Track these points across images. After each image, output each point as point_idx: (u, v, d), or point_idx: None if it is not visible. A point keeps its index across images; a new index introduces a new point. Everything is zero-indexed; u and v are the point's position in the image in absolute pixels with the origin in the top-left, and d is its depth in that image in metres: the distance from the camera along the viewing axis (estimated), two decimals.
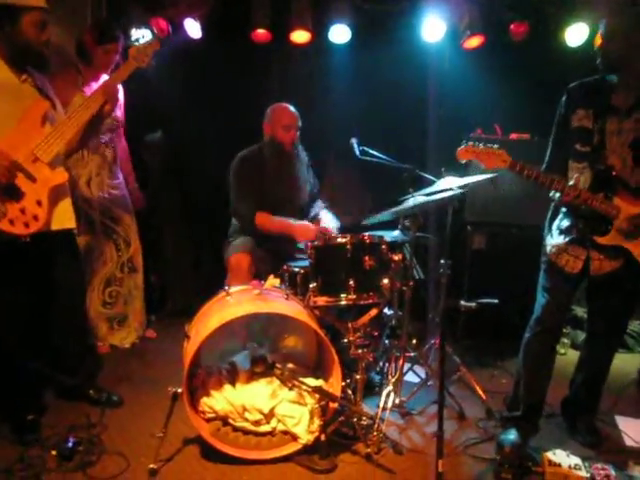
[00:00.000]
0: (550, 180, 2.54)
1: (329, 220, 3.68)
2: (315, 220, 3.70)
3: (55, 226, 2.80)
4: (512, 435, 2.76)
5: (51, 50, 2.83)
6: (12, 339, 2.83)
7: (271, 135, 3.60)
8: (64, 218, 2.87)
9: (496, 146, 2.55)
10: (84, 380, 3.15)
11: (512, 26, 4.26)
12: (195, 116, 4.63)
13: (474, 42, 4.31)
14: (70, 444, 2.62)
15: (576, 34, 4.16)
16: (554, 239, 2.75)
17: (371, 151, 3.57)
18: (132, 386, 3.37)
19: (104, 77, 3.63)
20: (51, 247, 2.84)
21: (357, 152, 3.54)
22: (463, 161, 2.59)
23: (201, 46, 4.39)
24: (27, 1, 2.63)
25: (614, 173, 2.55)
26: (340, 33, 4.32)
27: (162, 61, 3.57)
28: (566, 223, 2.71)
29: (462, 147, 2.57)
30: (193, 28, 4.30)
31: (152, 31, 4.26)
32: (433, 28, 4.22)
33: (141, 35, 4.09)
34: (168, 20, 4.34)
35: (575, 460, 2.63)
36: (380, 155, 3.57)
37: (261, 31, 4.34)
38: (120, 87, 3.62)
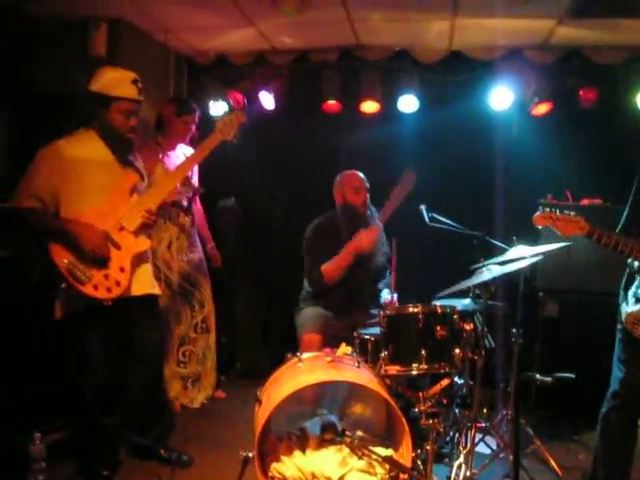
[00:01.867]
0: (630, 249, 2.47)
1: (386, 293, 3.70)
2: None
3: (136, 291, 2.94)
4: None
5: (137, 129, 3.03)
6: (93, 394, 2.94)
7: (342, 200, 3.70)
8: (145, 284, 3.01)
9: (573, 213, 2.51)
10: (156, 440, 3.21)
11: (581, 92, 4.25)
12: (267, 183, 4.82)
13: (542, 109, 4.34)
14: None
15: None
16: (629, 307, 2.61)
17: (440, 217, 3.61)
18: (201, 446, 3.41)
19: (181, 146, 3.85)
20: (132, 309, 2.96)
21: (426, 218, 3.59)
22: (539, 227, 2.58)
23: (274, 116, 4.61)
24: (121, 92, 2.84)
25: None
26: (408, 103, 4.44)
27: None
28: None
29: (539, 213, 2.55)
30: (267, 100, 4.54)
31: (229, 103, 4.53)
32: (501, 97, 4.28)
33: (221, 109, 4.34)
34: (243, 93, 4.61)
35: None
36: (449, 222, 3.61)
37: (332, 102, 4.54)
38: None
